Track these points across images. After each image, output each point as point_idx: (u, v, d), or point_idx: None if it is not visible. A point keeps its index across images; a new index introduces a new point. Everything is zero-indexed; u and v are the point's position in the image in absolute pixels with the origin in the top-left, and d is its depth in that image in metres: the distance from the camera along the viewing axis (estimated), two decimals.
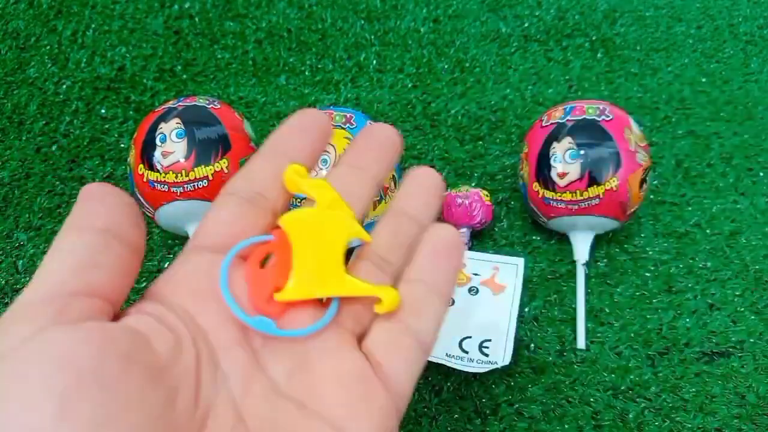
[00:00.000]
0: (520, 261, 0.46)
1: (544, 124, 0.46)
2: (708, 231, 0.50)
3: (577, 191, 0.43)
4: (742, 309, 0.46)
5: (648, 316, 0.45)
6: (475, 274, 0.45)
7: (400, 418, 0.20)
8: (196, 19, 0.64)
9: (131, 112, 0.57)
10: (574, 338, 0.44)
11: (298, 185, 0.21)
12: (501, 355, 0.41)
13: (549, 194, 0.44)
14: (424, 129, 0.56)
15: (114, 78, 0.60)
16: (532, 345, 0.44)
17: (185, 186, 0.42)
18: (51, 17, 0.65)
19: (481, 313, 0.44)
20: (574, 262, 0.47)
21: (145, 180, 0.43)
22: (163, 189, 0.43)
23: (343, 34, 0.63)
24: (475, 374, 0.43)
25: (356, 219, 0.21)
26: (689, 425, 0.41)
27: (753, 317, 0.45)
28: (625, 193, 0.43)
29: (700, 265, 0.48)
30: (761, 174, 0.53)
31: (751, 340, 0.44)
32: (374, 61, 0.61)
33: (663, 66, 0.60)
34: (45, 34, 0.63)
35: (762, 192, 0.52)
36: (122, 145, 0.55)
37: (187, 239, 0.44)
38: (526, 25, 0.63)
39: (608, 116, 0.44)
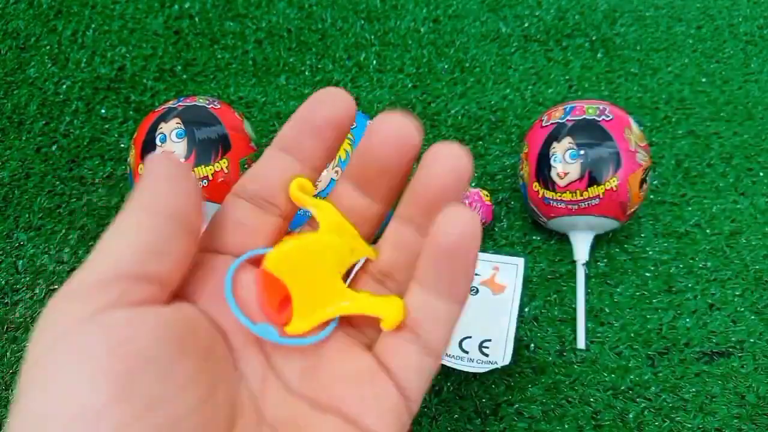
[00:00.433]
0: (520, 261, 0.46)
1: (544, 124, 0.46)
2: (708, 231, 0.50)
3: (577, 191, 0.43)
4: (742, 309, 0.46)
5: (648, 316, 0.45)
6: (476, 274, 0.45)
7: (413, 416, 0.20)
8: (196, 19, 0.64)
9: (131, 112, 0.57)
10: (574, 338, 0.44)
11: (302, 202, 0.20)
12: (501, 355, 0.41)
13: (549, 194, 0.44)
14: (424, 129, 0.56)
15: (114, 78, 0.60)
16: (532, 345, 0.44)
17: None
18: (51, 17, 0.65)
19: (481, 313, 0.44)
20: (574, 262, 0.47)
21: None
22: None
23: (343, 34, 0.63)
24: (475, 374, 0.43)
25: (362, 239, 0.21)
26: (689, 425, 0.41)
27: (753, 317, 0.45)
28: (625, 193, 0.43)
29: (700, 265, 0.48)
30: (761, 174, 0.53)
31: (751, 340, 0.44)
32: (374, 61, 0.61)
33: (663, 66, 0.60)
34: (45, 34, 0.63)
35: (762, 192, 0.52)
36: (122, 145, 0.55)
37: None
38: (526, 25, 0.63)
39: (608, 116, 0.44)
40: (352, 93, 0.59)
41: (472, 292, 0.45)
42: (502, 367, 0.40)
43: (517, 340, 0.44)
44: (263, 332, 0.19)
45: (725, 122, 0.56)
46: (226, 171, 0.43)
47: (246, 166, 0.44)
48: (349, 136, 0.44)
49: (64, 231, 0.50)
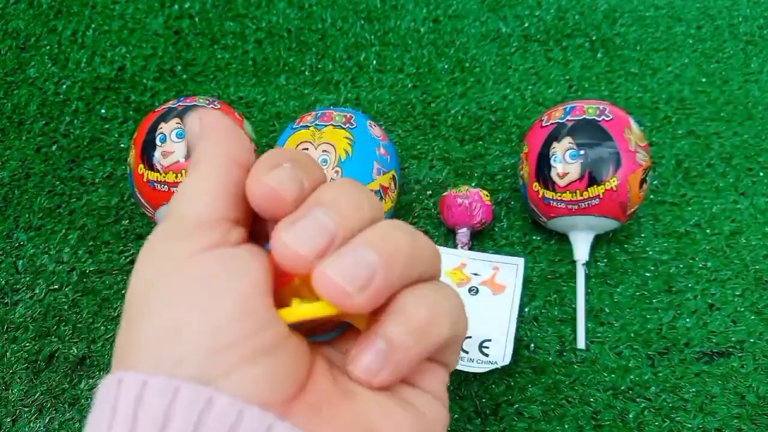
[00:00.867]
0: (520, 261, 0.46)
1: (544, 124, 0.46)
2: (708, 231, 0.50)
3: (577, 191, 0.43)
4: (742, 309, 0.46)
5: (648, 316, 0.45)
6: (475, 274, 0.45)
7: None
8: (196, 19, 0.64)
9: (131, 112, 0.57)
10: (574, 338, 0.44)
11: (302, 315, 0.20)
12: (501, 355, 0.41)
13: (549, 194, 0.44)
14: (424, 129, 0.56)
15: (114, 78, 0.60)
16: (532, 345, 0.44)
17: None
18: (51, 17, 0.65)
19: (481, 313, 0.44)
20: (574, 262, 0.47)
21: (145, 180, 0.43)
22: (163, 189, 0.43)
23: (343, 34, 0.63)
24: (475, 374, 0.43)
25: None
26: (689, 425, 0.41)
27: (753, 317, 0.45)
28: (625, 193, 0.43)
29: (700, 265, 0.48)
30: (761, 174, 0.53)
31: (751, 340, 0.44)
32: (374, 61, 0.61)
33: (663, 66, 0.60)
34: (45, 34, 0.63)
35: (762, 192, 0.52)
36: (122, 145, 0.55)
37: None
38: (526, 25, 0.63)
39: (608, 116, 0.44)
40: (352, 93, 0.59)
41: (472, 293, 0.45)
42: (502, 367, 0.40)
43: (517, 340, 0.44)
44: None
45: (725, 122, 0.56)
46: None
47: None
48: (349, 135, 0.44)
49: (64, 231, 0.50)
